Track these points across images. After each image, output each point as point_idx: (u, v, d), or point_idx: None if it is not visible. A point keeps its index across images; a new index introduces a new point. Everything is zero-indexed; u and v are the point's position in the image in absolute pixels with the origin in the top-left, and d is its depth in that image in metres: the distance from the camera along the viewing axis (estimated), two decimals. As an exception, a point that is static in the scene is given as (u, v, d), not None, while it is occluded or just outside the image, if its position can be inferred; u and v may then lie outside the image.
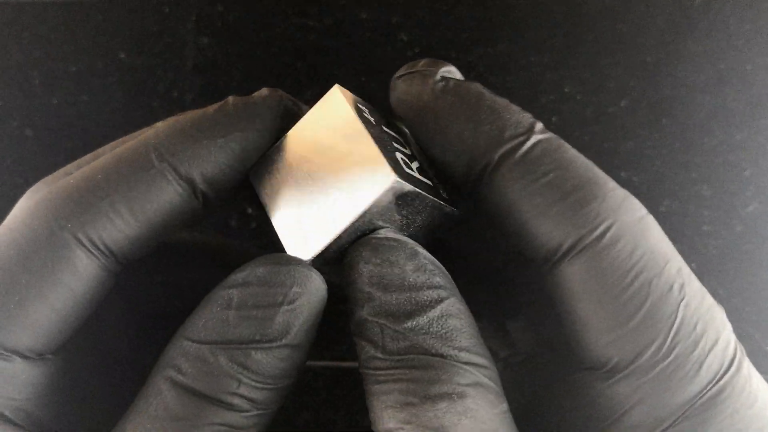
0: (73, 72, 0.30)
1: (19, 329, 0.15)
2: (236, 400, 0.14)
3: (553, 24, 0.28)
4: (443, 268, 0.15)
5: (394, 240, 0.15)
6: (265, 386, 0.14)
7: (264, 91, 0.18)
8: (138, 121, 0.32)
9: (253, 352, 0.14)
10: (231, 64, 0.30)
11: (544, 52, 0.29)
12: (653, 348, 0.15)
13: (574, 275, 0.15)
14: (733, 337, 0.15)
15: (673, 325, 0.15)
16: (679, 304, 0.15)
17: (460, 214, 0.18)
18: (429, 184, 0.17)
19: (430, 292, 0.15)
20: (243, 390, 0.14)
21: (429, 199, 0.16)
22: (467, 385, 0.14)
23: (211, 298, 0.15)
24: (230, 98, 0.17)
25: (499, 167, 0.15)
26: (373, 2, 0.29)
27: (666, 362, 0.15)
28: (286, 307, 0.14)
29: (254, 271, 0.14)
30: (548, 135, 0.16)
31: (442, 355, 0.14)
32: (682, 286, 0.15)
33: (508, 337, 0.22)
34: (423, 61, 0.17)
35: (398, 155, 0.16)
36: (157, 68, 0.30)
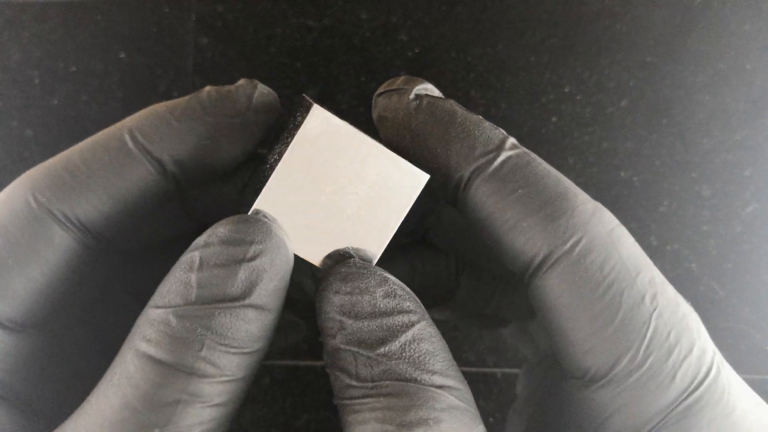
0: (73, 72, 0.30)
1: None
2: (200, 364, 0.14)
3: (552, 24, 0.28)
4: (412, 293, 0.16)
5: (363, 268, 0.15)
6: (230, 350, 0.14)
7: (240, 81, 0.18)
8: (138, 121, 0.32)
9: (216, 312, 0.14)
10: (231, 64, 0.30)
11: (544, 52, 0.29)
12: (628, 357, 0.15)
13: (548, 288, 0.15)
14: (710, 345, 0.16)
15: (646, 335, 0.15)
16: (652, 314, 0.15)
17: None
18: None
19: (401, 317, 0.15)
20: (206, 353, 0.14)
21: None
22: (442, 409, 0.14)
23: (176, 264, 0.15)
24: (207, 87, 0.17)
25: (471, 184, 0.16)
26: (373, 2, 0.29)
27: (641, 371, 0.15)
28: (247, 264, 0.14)
29: (216, 230, 0.15)
30: (518, 151, 0.16)
31: (415, 380, 0.14)
32: (654, 296, 0.15)
33: (531, 339, 0.22)
34: (400, 79, 0.17)
35: None
36: (157, 68, 0.30)
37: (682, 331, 0.15)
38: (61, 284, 0.16)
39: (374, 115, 0.18)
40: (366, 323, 0.15)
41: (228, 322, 0.14)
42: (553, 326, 0.16)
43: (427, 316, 0.15)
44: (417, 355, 0.14)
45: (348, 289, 0.15)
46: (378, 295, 0.15)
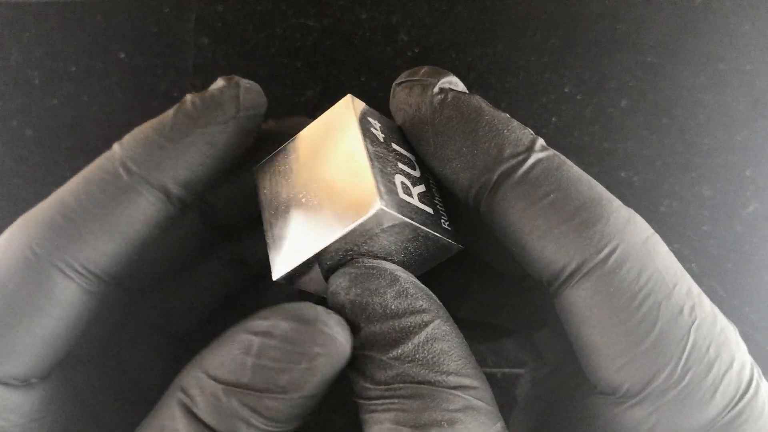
0: (73, 72, 0.30)
1: None
2: None
3: (552, 24, 0.28)
4: (426, 290, 0.15)
5: (373, 267, 0.15)
6: (275, 428, 0.14)
7: (219, 81, 0.17)
8: (138, 121, 0.32)
9: (262, 399, 0.14)
10: (231, 64, 0.30)
11: (544, 53, 0.29)
12: (665, 374, 0.14)
13: (579, 299, 0.15)
14: (748, 359, 0.15)
15: (684, 349, 0.14)
16: (690, 327, 0.14)
17: (459, 246, 0.17)
18: (429, 213, 0.16)
19: (413, 317, 0.14)
20: (254, 430, 0.14)
21: (422, 230, 0.16)
22: (457, 410, 0.14)
23: (231, 338, 0.14)
24: (187, 96, 0.17)
25: (498, 187, 0.15)
26: (373, 2, 0.29)
27: (679, 388, 0.14)
28: (304, 365, 0.14)
29: (278, 324, 0.14)
30: (549, 153, 0.15)
31: (429, 382, 0.14)
32: (692, 308, 0.14)
33: (535, 348, 0.22)
34: (424, 69, 0.16)
35: (399, 179, 0.16)
36: (157, 68, 0.30)
37: (721, 345, 0.14)
38: (66, 334, 0.16)
39: (392, 105, 0.17)
40: (378, 326, 0.14)
41: (275, 407, 0.14)
42: (582, 340, 0.15)
43: (443, 312, 0.15)
44: (431, 356, 0.14)
45: (358, 291, 0.15)
46: (389, 296, 0.14)
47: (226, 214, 0.20)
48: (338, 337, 0.14)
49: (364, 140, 0.15)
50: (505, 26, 0.28)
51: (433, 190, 0.17)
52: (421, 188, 0.16)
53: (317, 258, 0.15)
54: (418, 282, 0.15)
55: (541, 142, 0.15)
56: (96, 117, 0.30)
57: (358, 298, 0.15)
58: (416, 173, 0.17)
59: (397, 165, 0.16)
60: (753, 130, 0.28)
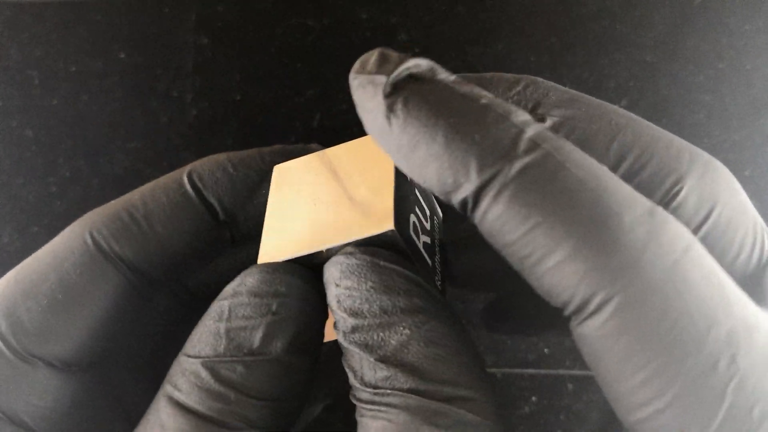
0: (73, 72, 0.30)
1: (42, 335, 0.15)
2: (229, 418, 0.13)
3: (552, 24, 0.28)
4: (426, 287, 0.14)
5: (367, 259, 0.14)
6: (258, 403, 0.13)
7: (311, 146, 0.18)
8: (138, 121, 0.32)
9: (240, 367, 0.13)
10: (231, 64, 0.30)
11: (543, 52, 0.29)
12: None
13: (591, 339, 0.12)
14: None
15: (717, 414, 0.11)
16: (728, 386, 0.11)
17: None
18: (427, 263, 0.16)
19: (407, 316, 0.13)
20: (235, 407, 0.13)
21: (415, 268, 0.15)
22: (447, 426, 0.12)
23: (207, 312, 0.14)
24: (277, 147, 0.17)
25: (477, 206, 0.12)
26: (373, 2, 0.29)
27: None
28: (272, 317, 0.13)
29: (245, 279, 0.14)
30: (537, 154, 0.11)
31: (418, 392, 0.12)
32: (732, 360, 0.11)
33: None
34: (373, 58, 0.13)
35: (412, 218, 0.15)
36: (157, 68, 0.30)
37: None
38: (112, 326, 0.16)
39: (357, 108, 0.14)
40: (367, 322, 0.13)
41: (255, 375, 0.13)
42: (599, 379, 0.12)
43: (444, 312, 0.13)
44: (423, 361, 0.13)
45: (348, 283, 0.14)
46: (381, 291, 0.13)
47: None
48: (305, 284, 0.14)
49: (396, 172, 0.15)
50: (504, 26, 0.28)
51: (436, 248, 0.17)
52: (427, 239, 0.16)
53: (310, 257, 0.15)
54: (417, 278, 0.14)
55: (529, 135, 0.12)
56: (96, 117, 0.30)
57: (346, 291, 0.14)
58: (427, 225, 0.17)
59: (414, 207, 0.16)
60: (752, 130, 0.28)
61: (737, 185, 0.14)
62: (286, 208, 0.16)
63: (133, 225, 0.16)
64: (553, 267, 0.11)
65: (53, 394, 0.16)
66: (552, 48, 0.29)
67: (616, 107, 0.14)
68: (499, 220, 0.12)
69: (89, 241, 0.16)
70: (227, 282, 0.19)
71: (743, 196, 0.14)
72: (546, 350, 0.28)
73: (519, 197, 0.11)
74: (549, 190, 0.11)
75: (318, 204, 0.16)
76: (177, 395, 0.14)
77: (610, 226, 0.11)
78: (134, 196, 0.16)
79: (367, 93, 0.13)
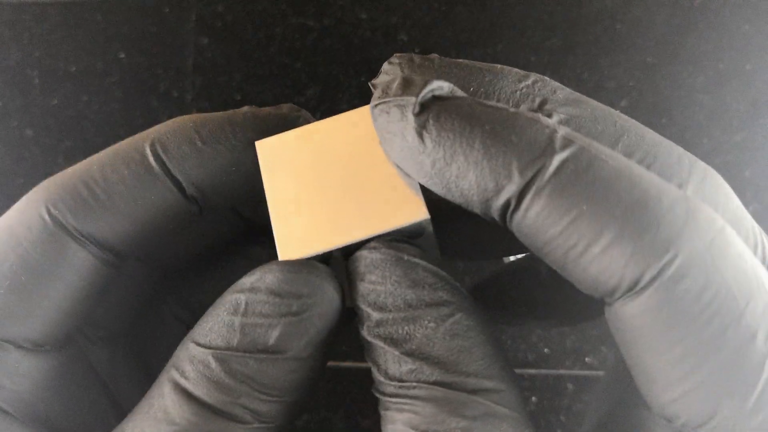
0: (73, 72, 0.30)
1: (9, 318, 0.15)
2: (237, 410, 0.13)
3: (552, 24, 0.28)
4: (450, 280, 0.14)
5: (391, 254, 0.14)
6: (270, 398, 0.13)
7: (284, 106, 0.16)
8: (138, 121, 0.32)
9: (254, 362, 0.13)
10: (231, 64, 0.30)
11: (544, 53, 0.29)
12: (728, 411, 0.12)
13: (629, 318, 0.12)
14: None
15: (757, 383, 0.11)
16: (766, 359, 0.12)
17: None
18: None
19: (432, 310, 0.13)
20: (245, 400, 0.13)
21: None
22: (474, 417, 0.12)
23: (221, 302, 0.14)
24: (245, 108, 0.16)
25: (519, 206, 0.12)
26: (373, 2, 0.29)
27: (748, 428, 0.12)
28: (292, 318, 0.13)
29: (264, 277, 0.14)
30: (574, 149, 0.12)
31: (445, 384, 0.13)
32: None
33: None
34: (396, 83, 0.14)
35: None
36: (157, 68, 0.30)
37: None
38: (82, 302, 0.16)
39: (377, 133, 0.14)
40: (392, 316, 0.13)
41: (267, 371, 0.13)
42: (634, 362, 0.13)
43: (468, 305, 0.14)
44: (449, 353, 0.13)
45: (373, 278, 0.14)
46: (406, 285, 0.13)
47: (255, 215, 0.20)
48: (327, 285, 0.14)
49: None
50: (504, 26, 0.28)
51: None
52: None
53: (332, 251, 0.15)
54: (441, 271, 0.14)
55: (561, 134, 0.12)
56: (96, 117, 0.30)
57: (371, 285, 0.14)
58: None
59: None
60: (752, 131, 0.28)
61: (732, 192, 0.14)
62: (292, 196, 0.15)
63: (91, 200, 0.15)
64: (600, 253, 0.12)
65: (28, 376, 0.15)
66: (552, 48, 0.29)
67: (618, 112, 0.15)
68: (542, 214, 0.12)
69: (47, 217, 0.15)
70: (195, 251, 0.19)
71: (738, 202, 0.14)
72: (546, 350, 0.28)
73: (561, 190, 0.12)
74: (589, 180, 0.12)
75: (329, 191, 0.15)
76: (184, 383, 0.13)
77: (651, 206, 0.12)
78: (92, 166, 0.15)
79: (392, 116, 0.13)
